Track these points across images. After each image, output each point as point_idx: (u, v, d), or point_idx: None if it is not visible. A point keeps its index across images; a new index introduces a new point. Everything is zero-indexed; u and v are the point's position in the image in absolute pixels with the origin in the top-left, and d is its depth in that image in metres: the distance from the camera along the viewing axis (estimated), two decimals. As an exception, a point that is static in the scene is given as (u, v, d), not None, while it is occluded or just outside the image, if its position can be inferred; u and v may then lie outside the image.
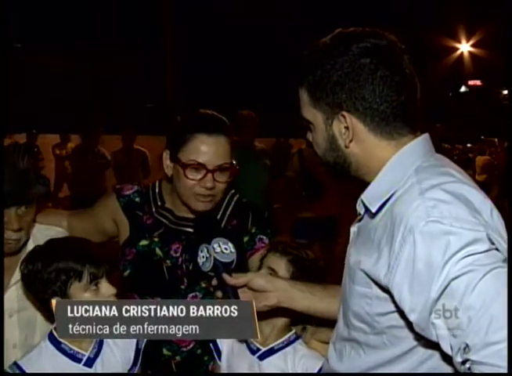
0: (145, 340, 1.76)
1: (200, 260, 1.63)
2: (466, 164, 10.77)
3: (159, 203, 1.96)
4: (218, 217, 1.93)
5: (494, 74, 23.90)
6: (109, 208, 1.99)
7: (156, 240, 1.92)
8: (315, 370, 1.71)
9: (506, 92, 25.12)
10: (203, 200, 1.83)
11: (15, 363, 1.70)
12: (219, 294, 1.62)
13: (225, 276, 1.59)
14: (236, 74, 21.51)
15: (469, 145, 15.70)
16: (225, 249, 1.62)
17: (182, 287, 1.89)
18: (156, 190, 1.98)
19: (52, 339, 1.71)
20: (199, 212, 1.87)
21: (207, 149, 1.80)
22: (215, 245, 1.62)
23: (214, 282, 1.63)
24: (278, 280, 1.64)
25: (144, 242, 1.92)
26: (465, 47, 26.95)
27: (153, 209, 1.95)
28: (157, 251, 1.91)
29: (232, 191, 1.99)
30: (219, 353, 1.80)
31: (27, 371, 1.69)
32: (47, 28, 18.32)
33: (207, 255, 1.61)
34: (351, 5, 21.38)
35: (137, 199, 1.97)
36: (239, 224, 1.94)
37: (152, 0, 15.56)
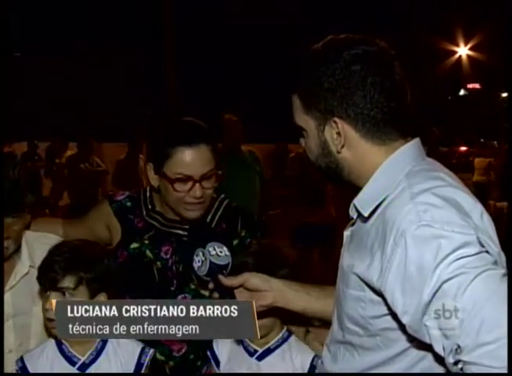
0: (149, 355, 1.78)
1: (196, 264, 1.65)
2: (466, 168, 10.77)
3: (149, 206, 2.00)
4: (208, 220, 1.96)
5: (493, 77, 23.92)
6: (102, 215, 2.03)
7: (146, 242, 1.95)
8: (309, 362, 1.76)
9: (505, 94, 25.13)
10: (193, 208, 1.87)
11: (20, 358, 1.75)
12: (216, 295, 1.63)
13: (221, 277, 1.61)
14: (236, 74, 21.49)
15: (465, 148, 15.71)
16: (220, 252, 1.64)
17: (172, 288, 1.92)
18: (147, 195, 2.02)
19: (56, 339, 1.74)
20: (190, 220, 1.90)
21: (190, 160, 1.83)
22: (210, 248, 1.64)
23: (211, 286, 1.65)
24: (273, 280, 1.64)
25: (135, 245, 1.96)
26: (463, 50, 26.95)
27: (144, 213, 1.99)
28: (148, 253, 1.95)
29: (222, 196, 2.03)
30: (215, 358, 1.82)
31: (29, 366, 1.73)
32: (46, 28, 18.29)
33: (203, 259, 1.63)
34: (351, 5, 21.36)
35: (128, 203, 2.01)
36: (229, 228, 1.97)
37: (152, 0, 15.54)
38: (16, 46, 18.10)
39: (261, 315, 1.67)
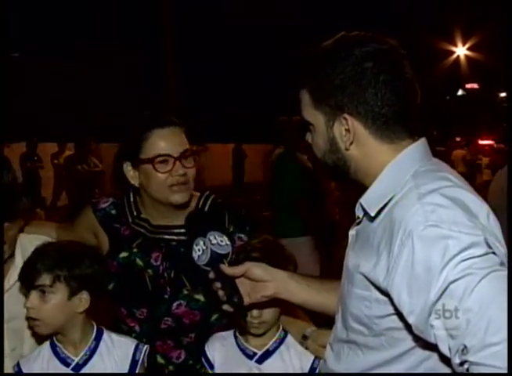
0: (143, 352, 1.77)
1: (196, 254, 1.62)
2: (475, 168, 10.71)
3: (135, 213, 1.97)
4: (200, 207, 1.94)
5: (491, 76, 23.96)
6: (87, 224, 2.00)
7: (135, 250, 1.92)
8: (309, 365, 1.76)
9: (503, 94, 25.18)
10: (179, 189, 1.86)
11: (17, 363, 1.76)
12: (218, 284, 1.60)
13: (223, 266, 1.59)
14: (236, 74, 21.50)
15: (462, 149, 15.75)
16: (221, 241, 1.62)
17: (166, 296, 1.89)
18: (131, 200, 1.99)
19: (51, 341, 1.76)
20: (178, 207, 1.87)
21: (166, 140, 1.87)
22: (211, 237, 1.62)
23: (212, 275, 1.61)
24: (276, 270, 1.63)
25: (124, 254, 1.93)
26: (461, 50, 27.01)
27: (130, 220, 1.96)
28: (138, 261, 1.92)
29: (207, 192, 2.00)
30: (210, 363, 1.81)
31: (24, 370, 1.74)
32: (46, 29, 18.28)
33: (204, 248, 1.61)
34: (351, 5, 21.40)
35: (113, 211, 1.98)
36: (216, 224, 1.91)
37: (152, 0, 15.55)
38: (16, 46, 18.07)
39: (262, 306, 1.67)
